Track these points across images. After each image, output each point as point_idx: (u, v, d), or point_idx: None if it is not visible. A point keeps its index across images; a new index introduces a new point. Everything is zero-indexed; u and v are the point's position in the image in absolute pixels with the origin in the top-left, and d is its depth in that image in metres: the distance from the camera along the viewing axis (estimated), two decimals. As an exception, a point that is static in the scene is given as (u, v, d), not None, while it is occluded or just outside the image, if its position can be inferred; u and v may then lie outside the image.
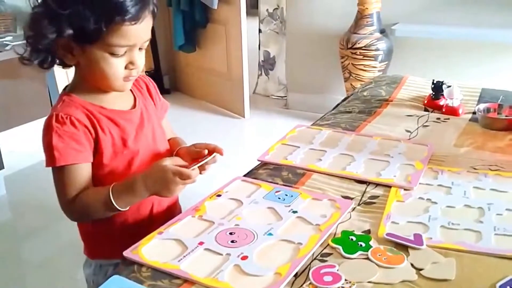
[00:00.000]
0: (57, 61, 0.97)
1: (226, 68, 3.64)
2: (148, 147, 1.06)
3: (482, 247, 0.92)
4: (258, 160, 1.32)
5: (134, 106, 1.07)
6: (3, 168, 2.54)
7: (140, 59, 0.97)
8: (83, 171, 0.97)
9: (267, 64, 4.06)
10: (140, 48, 0.95)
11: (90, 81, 0.98)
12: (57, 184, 0.98)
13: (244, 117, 3.59)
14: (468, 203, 1.08)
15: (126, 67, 0.95)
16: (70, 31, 0.88)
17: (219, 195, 1.14)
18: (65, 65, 1.00)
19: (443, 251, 0.91)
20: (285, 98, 3.86)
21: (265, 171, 1.26)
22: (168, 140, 1.16)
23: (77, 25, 0.87)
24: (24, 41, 0.94)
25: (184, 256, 0.89)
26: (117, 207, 0.94)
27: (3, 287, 1.89)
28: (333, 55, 3.33)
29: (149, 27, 0.95)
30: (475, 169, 1.24)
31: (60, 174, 0.96)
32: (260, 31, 4.03)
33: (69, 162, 0.94)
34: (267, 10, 3.93)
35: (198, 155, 1.02)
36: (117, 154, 1.01)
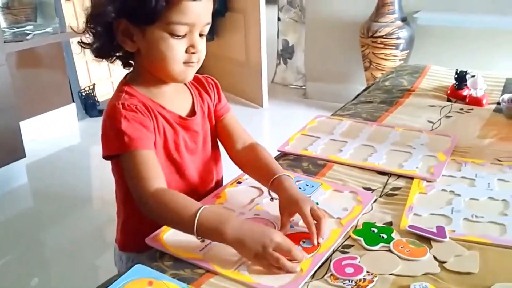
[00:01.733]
0: (116, 54, 0.98)
1: (245, 57, 3.63)
2: (197, 154, 1.05)
3: (507, 240, 0.91)
4: (278, 151, 1.32)
5: (192, 108, 1.05)
6: (25, 156, 2.58)
7: (201, 45, 0.95)
8: (155, 160, 0.93)
9: (285, 53, 4.04)
10: (201, 35, 0.94)
11: (150, 70, 0.97)
12: (130, 173, 0.92)
13: (262, 106, 3.58)
14: (492, 195, 1.07)
15: (186, 51, 0.93)
16: (128, 9, 0.89)
17: (239, 182, 1.14)
18: (125, 64, 1.00)
19: (467, 244, 0.90)
20: (304, 87, 3.84)
21: (285, 161, 1.25)
22: (248, 147, 1.09)
23: (136, 1, 0.87)
24: (84, 23, 0.94)
25: (206, 246, 0.89)
26: (195, 233, 0.85)
27: (25, 273, 1.93)
28: (353, 44, 3.29)
29: (209, 8, 0.94)
30: (499, 160, 1.22)
31: (132, 161, 0.91)
32: (279, 19, 4.00)
33: (141, 148, 0.91)
34: (286, -2, 3.90)
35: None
36: (167, 156, 1.00)
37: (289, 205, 0.93)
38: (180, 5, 0.88)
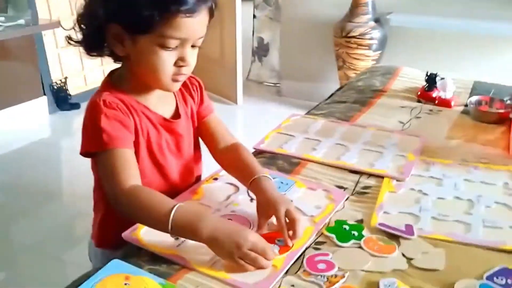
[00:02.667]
0: (106, 52, 0.95)
1: (220, 54, 3.62)
2: (179, 156, 1.06)
3: (471, 239, 0.95)
4: (254, 148, 1.34)
5: (176, 110, 1.04)
6: (-5, 149, 2.53)
7: (192, 57, 0.94)
8: (133, 159, 0.93)
9: (260, 51, 4.06)
10: (193, 46, 0.93)
11: (138, 76, 0.96)
12: (106, 170, 0.91)
13: (236, 103, 3.59)
14: (458, 195, 1.11)
15: (175, 63, 0.92)
16: (121, 16, 0.87)
17: (215, 179, 1.15)
18: (116, 58, 0.97)
19: (433, 241, 0.94)
20: (278, 85, 3.87)
21: (261, 159, 1.27)
22: (229, 148, 1.10)
23: (130, 10, 0.85)
24: (75, 22, 0.92)
25: (183, 242, 0.90)
26: (170, 230, 0.84)
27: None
28: (327, 43, 3.33)
29: (204, 23, 0.93)
30: (466, 161, 1.27)
31: (109, 159, 0.90)
32: (254, 16, 4.01)
33: (119, 146, 0.90)
34: (262, -5, 3.92)
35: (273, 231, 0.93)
36: (150, 157, 1.00)
37: (266, 208, 0.94)
38: (175, 20, 0.86)
